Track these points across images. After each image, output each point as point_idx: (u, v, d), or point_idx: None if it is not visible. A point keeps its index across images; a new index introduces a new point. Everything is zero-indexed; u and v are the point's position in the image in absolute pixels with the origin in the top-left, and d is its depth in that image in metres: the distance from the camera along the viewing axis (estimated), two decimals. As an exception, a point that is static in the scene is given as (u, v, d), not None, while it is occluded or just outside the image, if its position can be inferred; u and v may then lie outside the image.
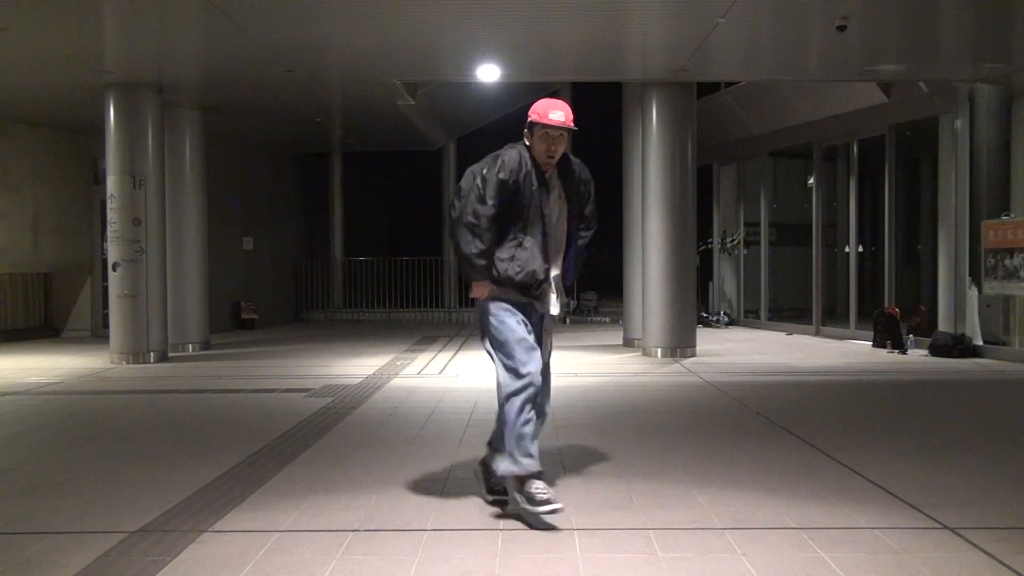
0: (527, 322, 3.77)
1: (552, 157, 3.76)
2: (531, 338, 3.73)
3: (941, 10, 7.52)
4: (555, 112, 3.71)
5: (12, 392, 7.47)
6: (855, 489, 4.15)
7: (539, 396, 3.72)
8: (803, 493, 4.07)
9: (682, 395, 7.16)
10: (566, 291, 3.99)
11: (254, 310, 14.03)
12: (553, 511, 3.53)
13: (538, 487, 3.55)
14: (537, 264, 3.72)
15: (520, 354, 3.65)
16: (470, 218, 3.65)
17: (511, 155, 3.72)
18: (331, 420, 6.01)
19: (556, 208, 3.83)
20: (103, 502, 4.02)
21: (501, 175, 3.65)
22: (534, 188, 3.71)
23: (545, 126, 3.70)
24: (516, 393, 3.62)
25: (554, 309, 3.89)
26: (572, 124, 3.74)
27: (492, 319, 3.73)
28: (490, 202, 3.62)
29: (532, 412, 3.64)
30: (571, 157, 3.93)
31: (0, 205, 11.79)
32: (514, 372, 3.65)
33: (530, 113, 3.76)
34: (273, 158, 15.19)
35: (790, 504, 3.89)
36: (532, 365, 3.65)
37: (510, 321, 3.71)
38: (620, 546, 3.37)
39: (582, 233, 3.97)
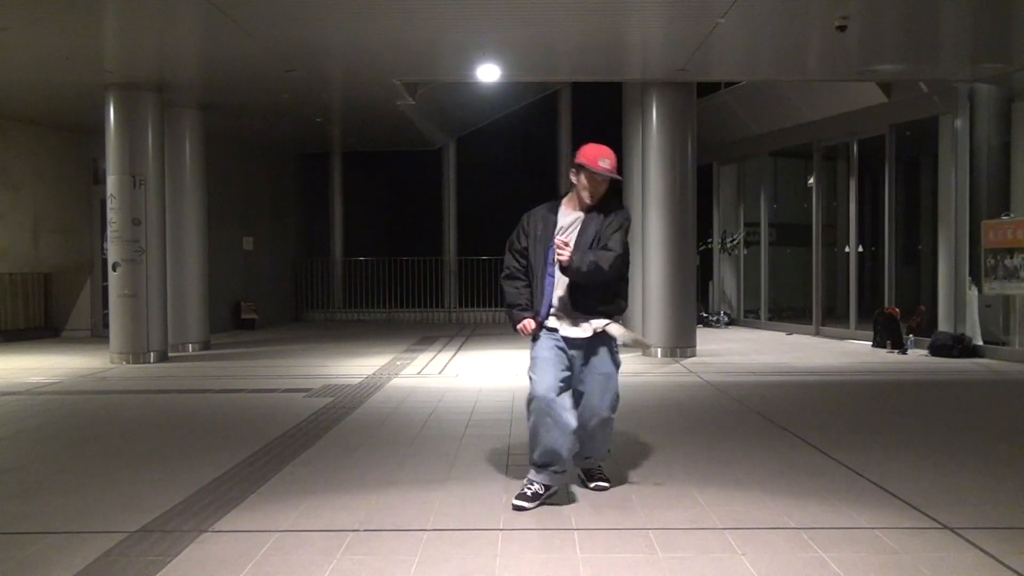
0: (561, 348, 4.02)
1: (593, 198, 4.01)
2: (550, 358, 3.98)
3: (941, 10, 7.51)
4: (604, 159, 3.98)
5: (12, 392, 7.47)
6: (855, 489, 4.15)
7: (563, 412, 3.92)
8: (803, 493, 4.08)
9: (682, 395, 7.15)
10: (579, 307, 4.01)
11: (254, 310, 14.02)
12: (517, 507, 3.86)
13: (529, 482, 3.95)
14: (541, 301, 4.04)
15: (534, 371, 4.01)
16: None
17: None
18: (331, 420, 6.01)
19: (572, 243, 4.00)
20: (103, 502, 4.02)
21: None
22: (539, 233, 4.05)
23: (593, 172, 3.96)
24: (528, 402, 3.99)
25: (569, 331, 4.03)
26: (616, 173, 4.00)
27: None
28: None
29: (541, 419, 3.90)
30: (612, 201, 4.10)
31: (0, 205, 11.79)
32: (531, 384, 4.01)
33: (579, 155, 4.03)
34: (273, 158, 15.19)
35: (790, 504, 3.89)
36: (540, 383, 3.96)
37: (540, 345, 4.04)
38: (620, 546, 3.37)
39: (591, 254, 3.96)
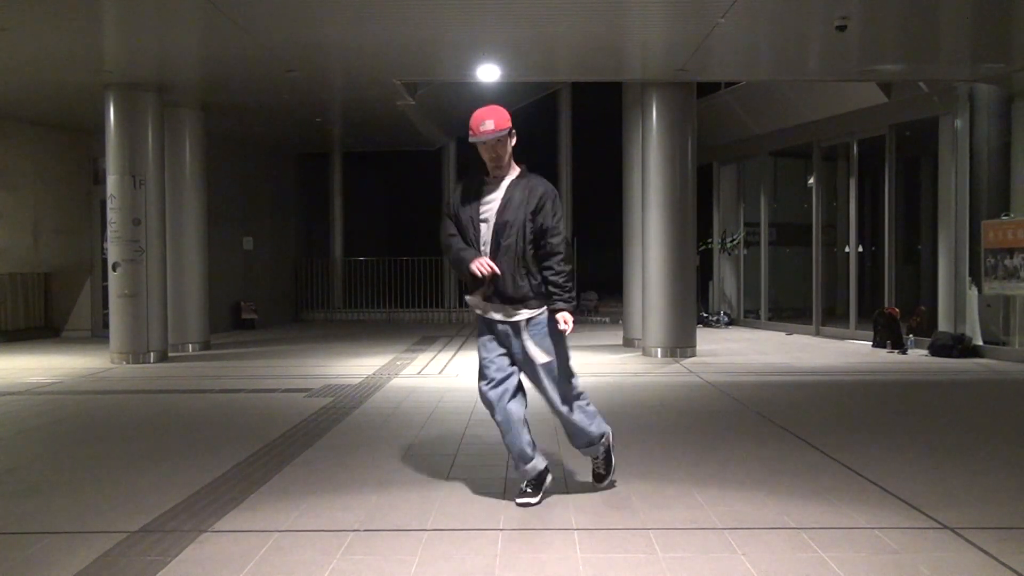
0: (494, 333, 3.95)
1: (493, 165, 3.87)
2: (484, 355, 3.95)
3: (941, 10, 7.52)
4: (484, 123, 3.79)
5: (12, 392, 7.47)
6: (855, 489, 4.15)
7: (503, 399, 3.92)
8: (803, 493, 4.08)
9: (682, 395, 7.15)
10: (510, 299, 3.83)
11: (254, 310, 14.02)
12: (523, 503, 3.89)
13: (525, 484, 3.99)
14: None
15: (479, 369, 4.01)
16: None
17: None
18: (331, 420, 6.01)
19: (495, 217, 3.84)
20: (103, 502, 4.02)
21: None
22: (468, 210, 3.89)
23: (473, 141, 3.82)
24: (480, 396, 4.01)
25: (492, 314, 3.90)
26: (496, 130, 3.77)
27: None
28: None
29: (497, 415, 3.94)
30: (528, 173, 3.92)
31: (0, 205, 11.79)
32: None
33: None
34: (273, 158, 15.19)
35: (790, 504, 3.89)
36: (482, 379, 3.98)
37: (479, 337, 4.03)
38: (620, 546, 3.37)
39: (544, 246, 3.83)
